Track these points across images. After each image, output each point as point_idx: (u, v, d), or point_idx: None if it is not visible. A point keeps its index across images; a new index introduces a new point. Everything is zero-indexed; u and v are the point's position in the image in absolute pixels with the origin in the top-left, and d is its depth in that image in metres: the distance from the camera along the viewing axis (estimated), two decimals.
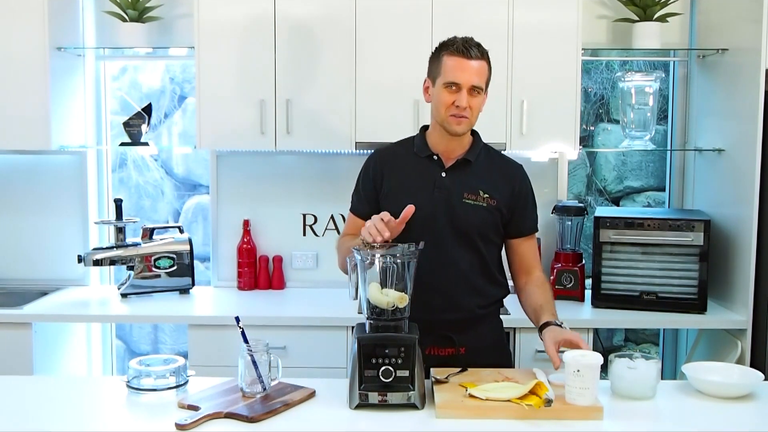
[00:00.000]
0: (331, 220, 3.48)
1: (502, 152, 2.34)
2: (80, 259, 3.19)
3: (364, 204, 2.27)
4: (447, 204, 2.17)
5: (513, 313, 2.64)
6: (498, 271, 2.27)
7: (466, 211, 2.17)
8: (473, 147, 2.22)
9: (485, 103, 2.17)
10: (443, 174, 2.20)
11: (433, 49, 2.18)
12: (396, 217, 2.01)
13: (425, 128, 2.29)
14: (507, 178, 2.24)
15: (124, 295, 3.23)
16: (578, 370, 1.83)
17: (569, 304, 3.13)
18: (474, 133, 2.24)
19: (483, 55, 2.10)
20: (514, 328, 2.82)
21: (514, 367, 2.25)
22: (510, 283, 2.32)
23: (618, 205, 3.73)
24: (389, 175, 2.23)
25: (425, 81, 2.20)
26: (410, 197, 2.15)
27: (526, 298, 2.24)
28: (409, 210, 2.00)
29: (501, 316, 2.34)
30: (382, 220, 1.97)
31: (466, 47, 2.07)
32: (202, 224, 3.85)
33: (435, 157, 2.21)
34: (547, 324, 2.07)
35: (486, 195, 2.18)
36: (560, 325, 2.06)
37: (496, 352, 2.27)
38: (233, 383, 2.02)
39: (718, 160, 3.11)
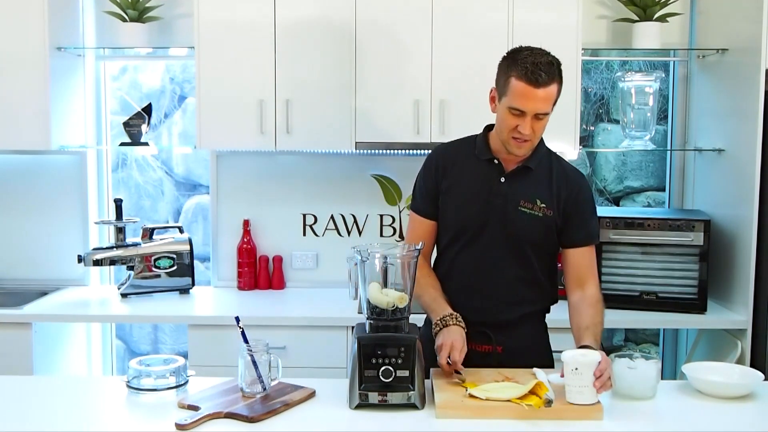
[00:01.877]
0: (331, 220, 3.48)
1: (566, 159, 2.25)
2: (80, 259, 3.19)
3: (427, 202, 2.20)
4: (502, 211, 2.12)
5: None
6: (549, 279, 2.20)
7: (521, 220, 2.11)
8: (535, 153, 2.13)
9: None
10: (502, 179, 2.13)
11: (507, 53, 2.06)
12: (452, 215, 2.14)
13: (489, 128, 2.20)
14: (564, 186, 2.14)
15: (124, 295, 3.23)
16: (576, 368, 1.84)
17: None
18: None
19: (553, 77, 1.98)
20: None
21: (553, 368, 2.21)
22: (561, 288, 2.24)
23: (618, 205, 3.73)
24: (450, 174, 2.17)
25: (492, 90, 2.10)
26: (466, 201, 2.14)
27: (574, 316, 2.13)
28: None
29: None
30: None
31: (535, 73, 1.94)
32: (202, 224, 3.85)
33: (496, 161, 2.15)
34: (583, 347, 1.98)
35: (543, 205, 2.12)
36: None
37: (536, 354, 2.20)
38: (233, 383, 2.02)
39: (718, 160, 3.11)
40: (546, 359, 2.23)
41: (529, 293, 2.18)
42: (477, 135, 2.23)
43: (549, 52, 2.03)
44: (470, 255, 2.14)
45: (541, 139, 2.15)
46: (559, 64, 2.02)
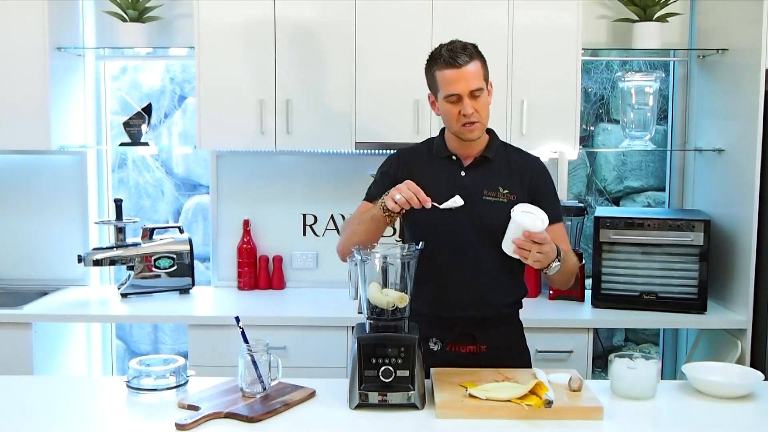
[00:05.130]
0: (331, 220, 3.48)
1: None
2: (80, 259, 3.19)
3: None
4: (467, 202, 2.14)
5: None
6: (520, 270, 2.26)
7: (487, 208, 2.17)
8: (490, 144, 2.23)
9: (492, 94, 2.17)
10: (463, 173, 2.21)
11: (427, 58, 2.16)
12: (418, 211, 2.08)
13: (444, 130, 2.28)
14: (524, 172, 2.23)
15: (124, 295, 3.23)
16: (523, 214, 1.97)
17: (569, 304, 3.13)
18: (490, 131, 2.24)
19: (471, 56, 2.09)
20: None
21: (531, 366, 2.24)
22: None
23: (618, 205, 3.73)
24: (413, 173, 2.20)
25: (429, 96, 2.20)
26: (431, 198, 2.16)
27: None
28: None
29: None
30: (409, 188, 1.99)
31: (453, 57, 2.06)
32: (202, 224, 3.85)
33: (453, 158, 2.22)
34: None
35: (506, 191, 2.19)
36: (558, 255, 2.04)
37: (517, 351, 2.27)
38: (233, 383, 2.02)
39: (718, 160, 3.11)
40: (525, 356, 2.29)
41: (506, 281, 2.22)
42: (435, 137, 2.32)
43: (461, 40, 2.13)
44: (444, 250, 2.16)
45: (494, 132, 2.25)
46: (475, 45, 2.13)
